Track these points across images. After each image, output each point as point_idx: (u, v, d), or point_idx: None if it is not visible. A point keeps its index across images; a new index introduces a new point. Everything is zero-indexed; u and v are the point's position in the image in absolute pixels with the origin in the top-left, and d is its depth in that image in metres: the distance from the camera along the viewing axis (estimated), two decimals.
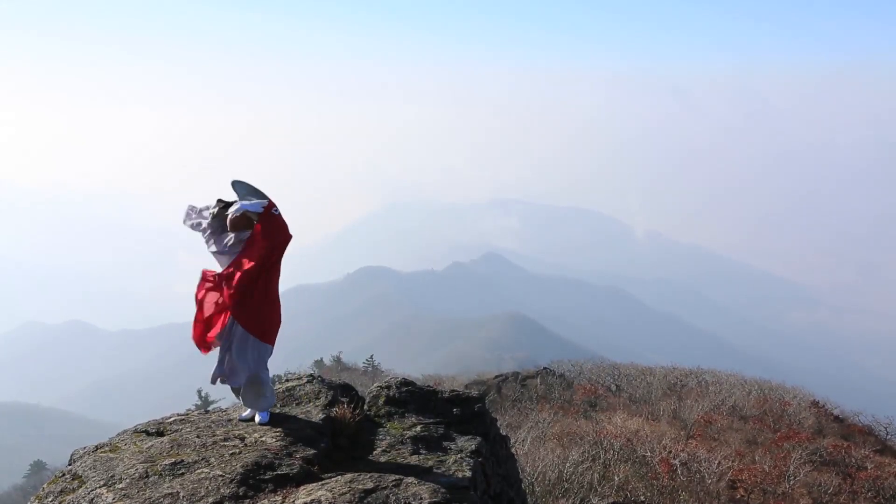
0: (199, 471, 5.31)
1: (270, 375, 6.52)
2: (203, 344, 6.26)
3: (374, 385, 7.65)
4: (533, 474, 13.66)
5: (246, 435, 6.10)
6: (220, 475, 5.21)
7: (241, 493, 5.01)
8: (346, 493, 4.88)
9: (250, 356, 6.13)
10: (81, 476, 5.53)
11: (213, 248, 6.15)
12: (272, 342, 6.24)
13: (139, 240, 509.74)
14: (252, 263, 5.92)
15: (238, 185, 6.15)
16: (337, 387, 7.47)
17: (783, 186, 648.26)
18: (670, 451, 16.04)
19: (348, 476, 5.22)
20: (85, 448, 6.23)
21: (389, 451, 6.15)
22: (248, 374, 6.17)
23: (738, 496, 14.85)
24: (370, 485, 5.01)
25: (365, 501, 4.81)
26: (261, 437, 6.03)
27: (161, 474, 5.29)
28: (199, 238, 6.30)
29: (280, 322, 6.30)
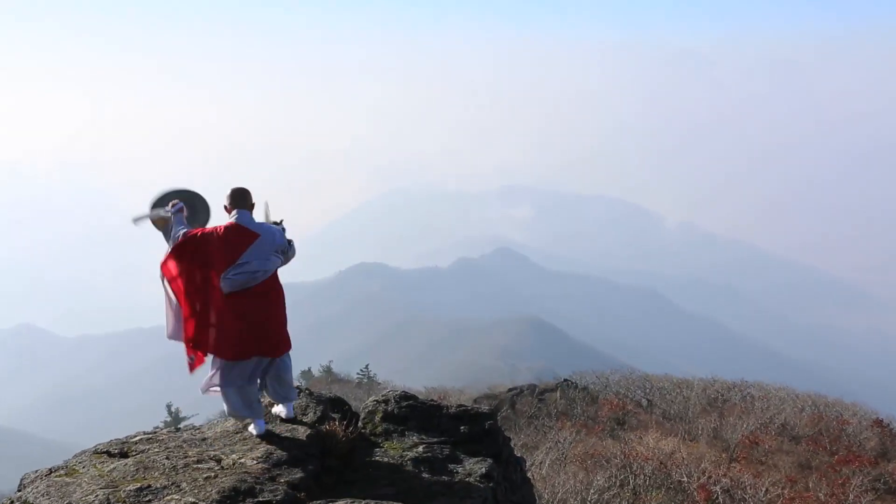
0: (168, 497, 5.29)
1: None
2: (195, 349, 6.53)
3: (370, 399, 7.64)
4: (552, 502, 13.64)
5: (222, 456, 6.09)
6: (193, 502, 5.20)
7: None
8: None
9: None
10: None
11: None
12: None
13: (102, 234, 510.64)
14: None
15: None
16: (327, 401, 7.45)
17: (844, 173, 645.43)
18: (710, 476, 15.98)
19: (340, 503, 5.19)
20: (37, 472, 6.20)
21: (387, 475, 6.14)
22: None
23: None
24: None
25: None
26: (239, 458, 6.02)
27: (125, 502, 5.27)
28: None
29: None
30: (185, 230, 6.43)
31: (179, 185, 6.78)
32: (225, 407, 6.64)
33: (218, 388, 6.56)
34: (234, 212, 6.53)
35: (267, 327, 6.54)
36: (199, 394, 6.61)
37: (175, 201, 6.58)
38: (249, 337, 6.44)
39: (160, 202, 6.62)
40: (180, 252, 6.38)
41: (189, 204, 6.73)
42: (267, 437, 6.47)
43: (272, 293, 6.59)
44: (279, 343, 6.65)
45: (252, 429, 6.59)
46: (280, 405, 6.98)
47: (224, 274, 6.29)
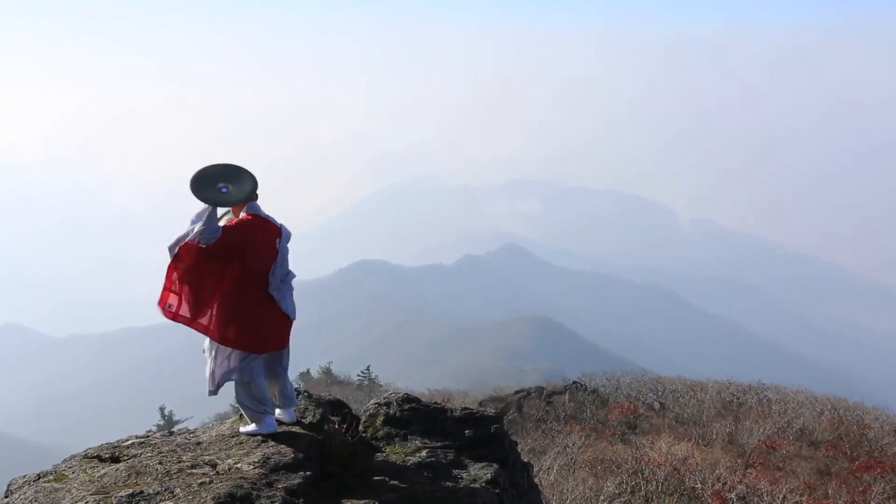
0: None
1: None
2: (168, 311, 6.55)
3: (371, 402, 7.64)
4: None
5: (218, 461, 6.07)
6: None
7: None
8: None
9: None
10: None
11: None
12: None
13: (92, 231, 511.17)
14: None
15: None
16: (326, 403, 7.45)
17: (865, 164, 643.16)
18: (725, 483, 15.96)
19: None
20: (24, 477, 6.19)
21: (389, 481, 6.13)
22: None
23: None
24: None
25: None
26: (235, 463, 6.00)
27: None
28: (163, 231, 6.43)
29: None
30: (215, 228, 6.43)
31: (217, 162, 6.65)
32: (236, 401, 6.71)
33: (228, 381, 6.62)
34: (246, 203, 6.62)
35: (282, 317, 6.73)
36: (192, 396, 6.67)
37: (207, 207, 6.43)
38: (270, 328, 6.60)
39: (205, 183, 6.51)
40: (211, 248, 6.38)
41: (234, 177, 6.64)
42: (264, 440, 6.47)
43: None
44: (288, 333, 6.86)
45: (261, 427, 6.61)
46: (281, 409, 6.99)
47: (277, 279, 6.63)
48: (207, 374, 6.59)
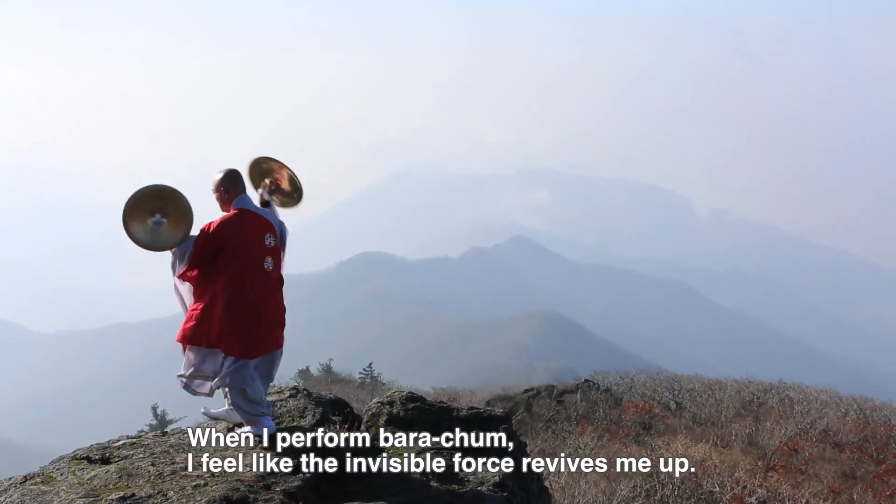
0: None
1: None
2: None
3: (374, 401, 7.64)
4: None
5: (213, 462, 6.06)
6: None
7: None
8: None
9: None
10: None
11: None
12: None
13: (78, 221, 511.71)
14: None
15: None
16: (327, 402, 7.45)
17: (883, 150, 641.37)
18: (745, 487, 15.94)
19: None
20: (11, 479, 6.18)
21: (392, 484, 6.12)
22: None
23: None
24: None
25: None
26: (231, 464, 5.98)
27: None
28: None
29: None
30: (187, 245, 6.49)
31: (147, 184, 6.57)
32: (232, 405, 6.69)
33: (215, 389, 6.60)
34: (236, 197, 6.58)
35: (279, 314, 6.75)
36: (186, 395, 6.64)
37: (156, 216, 6.42)
38: (262, 331, 6.57)
39: (138, 206, 6.42)
40: (193, 262, 6.43)
41: (168, 201, 6.51)
42: (262, 441, 6.46)
43: (279, 278, 6.80)
44: (282, 333, 6.84)
45: (257, 428, 6.57)
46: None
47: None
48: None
